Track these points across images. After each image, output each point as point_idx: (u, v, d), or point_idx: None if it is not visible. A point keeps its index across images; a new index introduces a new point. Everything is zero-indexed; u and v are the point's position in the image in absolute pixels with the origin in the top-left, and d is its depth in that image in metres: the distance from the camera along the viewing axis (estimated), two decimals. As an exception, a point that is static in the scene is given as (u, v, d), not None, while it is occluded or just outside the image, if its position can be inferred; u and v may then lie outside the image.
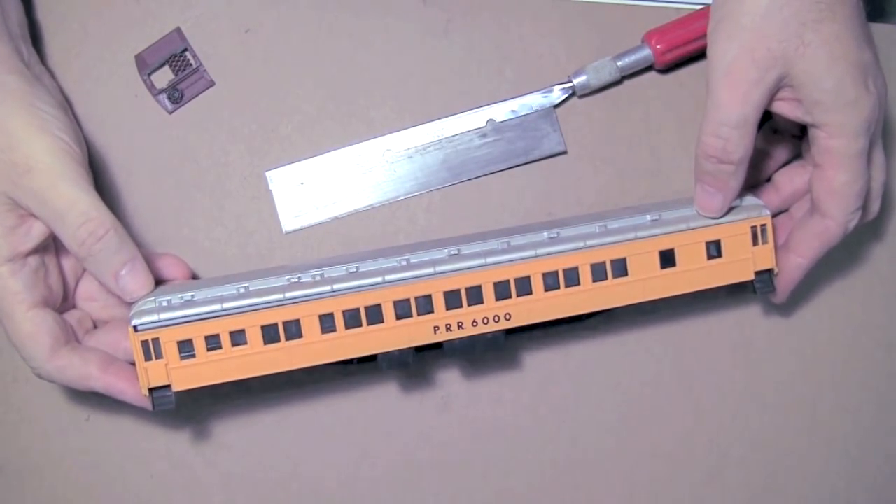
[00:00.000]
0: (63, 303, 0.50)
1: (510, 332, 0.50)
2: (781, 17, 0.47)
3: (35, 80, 0.48)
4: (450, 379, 0.56)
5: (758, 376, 0.58)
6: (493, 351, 0.49)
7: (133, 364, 0.47)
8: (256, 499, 0.55)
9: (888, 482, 0.59)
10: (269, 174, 0.56)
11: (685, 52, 0.57)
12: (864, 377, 0.59)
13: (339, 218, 0.56)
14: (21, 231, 0.47)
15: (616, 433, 0.57)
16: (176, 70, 0.56)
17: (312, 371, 0.55)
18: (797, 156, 0.56)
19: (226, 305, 0.47)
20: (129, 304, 0.48)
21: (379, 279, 0.48)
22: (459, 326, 0.49)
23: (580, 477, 0.56)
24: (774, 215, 0.55)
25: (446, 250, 0.49)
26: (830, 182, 0.50)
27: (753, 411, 0.58)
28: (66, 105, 0.52)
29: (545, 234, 0.50)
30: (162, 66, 0.56)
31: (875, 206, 0.53)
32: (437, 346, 0.49)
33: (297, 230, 0.56)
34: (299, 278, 0.48)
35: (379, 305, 0.48)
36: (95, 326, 0.51)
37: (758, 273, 0.52)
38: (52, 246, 0.49)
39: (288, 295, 0.48)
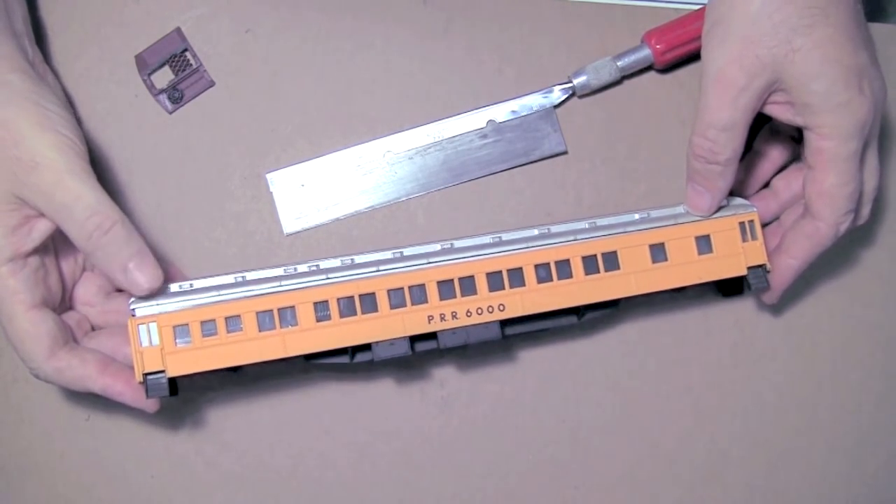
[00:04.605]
0: (60, 304, 0.50)
1: (508, 331, 0.51)
2: (771, 24, 0.48)
3: (39, 78, 0.49)
4: (450, 378, 0.56)
5: (758, 376, 0.58)
6: (488, 343, 0.50)
7: (132, 367, 0.48)
8: (256, 498, 0.55)
9: (888, 482, 0.59)
10: (269, 176, 0.56)
11: (684, 52, 0.57)
12: (863, 377, 0.59)
13: (339, 220, 0.56)
14: (23, 231, 0.47)
15: (616, 433, 0.57)
16: (176, 70, 0.56)
17: (312, 371, 0.55)
18: (796, 158, 0.56)
19: (222, 292, 0.48)
20: (128, 300, 0.48)
21: (373, 269, 0.49)
22: (454, 316, 0.49)
23: (580, 476, 0.57)
24: (770, 223, 0.55)
25: (439, 244, 0.50)
26: (821, 184, 0.50)
27: (753, 411, 0.58)
28: (69, 104, 0.53)
29: (535, 231, 0.51)
30: (162, 66, 0.56)
31: (865, 211, 0.53)
32: (431, 337, 0.50)
33: (298, 232, 0.56)
34: (295, 269, 0.49)
35: (373, 294, 0.49)
36: (93, 329, 0.51)
37: (750, 269, 0.53)
38: (51, 247, 0.49)
39: (284, 283, 0.49)
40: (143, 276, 0.47)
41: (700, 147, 0.50)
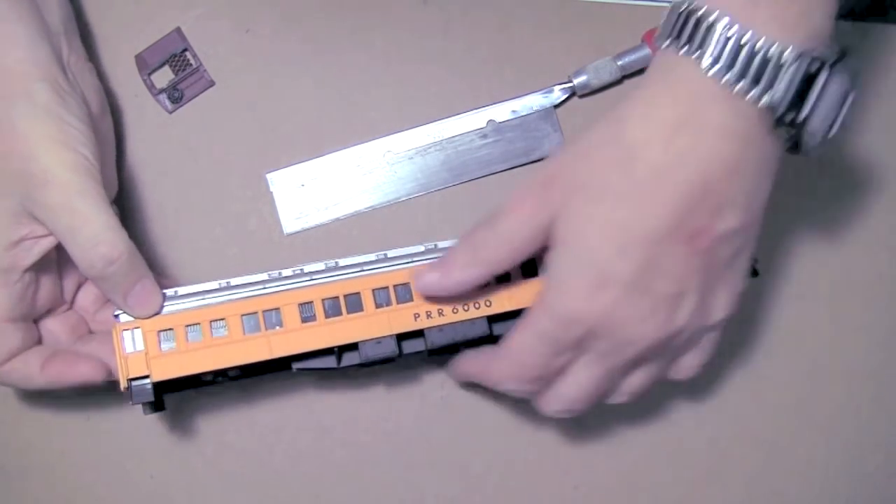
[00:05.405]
0: (60, 307, 0.50)
1: (497, 329, 0.50)
2: (577, 165, 0.45)
3: (67, 88, 0.47)
4: (449, 379, 0.56)
5: (758, 376, 0.58)
6: (477, 340, 0.50)
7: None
8: (256, 499, 0.55)
9: (888, 481, 0.59)
10: (269, 176, 0.56)
11: (685, 52, 0.57)
12: (863, 377, 0.59)
13: (339, 220, 0.56)
14: (26, 245, 0.46)
15: (616, 432, 0.57)
16: (176, 70, 0.56)
17: (311, 372, 0.55)
18: None
19: (207, 297, 0.48)
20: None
21: (357, 270, 0.49)
22: (440, 314, 0.49)
23: (579, 477, 0.56)
24: None
25: (423, 245, 0.50)
26: (510, 333, 0.47)
27: (753, 411, 0.58)
28: (105, 107, 0.52)
29: None
30: (162, 66, 0.56)
31: (549, 408, 0.48)
32: (419, 336, 0.50)
33: (298, 232, 0.56)
34: (279, 273, 0.49)
35: (358, 293, 0.49)
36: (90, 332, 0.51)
37: None
38: (53, 257, 0.49)
39: (268, 286, 0.48)
40: (141, 305, 0.47)
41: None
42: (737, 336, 0.58)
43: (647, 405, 0.57)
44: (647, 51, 0.57)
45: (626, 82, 0.58)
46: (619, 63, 0.57)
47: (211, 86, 0.56)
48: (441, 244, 0.50)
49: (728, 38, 0.41)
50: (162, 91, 0.56)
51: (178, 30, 0.56)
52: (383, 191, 0.56)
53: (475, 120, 0.57)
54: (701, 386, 0.57)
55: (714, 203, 0.43)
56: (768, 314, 0.59)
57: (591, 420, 0.57)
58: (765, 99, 0.41)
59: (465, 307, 0.49)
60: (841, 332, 0.59)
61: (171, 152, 0.56)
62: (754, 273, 0.53)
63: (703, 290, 0.45)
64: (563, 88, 0.57)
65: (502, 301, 0.50)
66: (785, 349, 0.58)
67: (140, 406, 0.48)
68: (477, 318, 0.50)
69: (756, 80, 0.41)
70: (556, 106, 0.57)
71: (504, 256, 0.46)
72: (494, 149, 0.57)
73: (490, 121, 0.57)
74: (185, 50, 0.56)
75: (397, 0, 0.57)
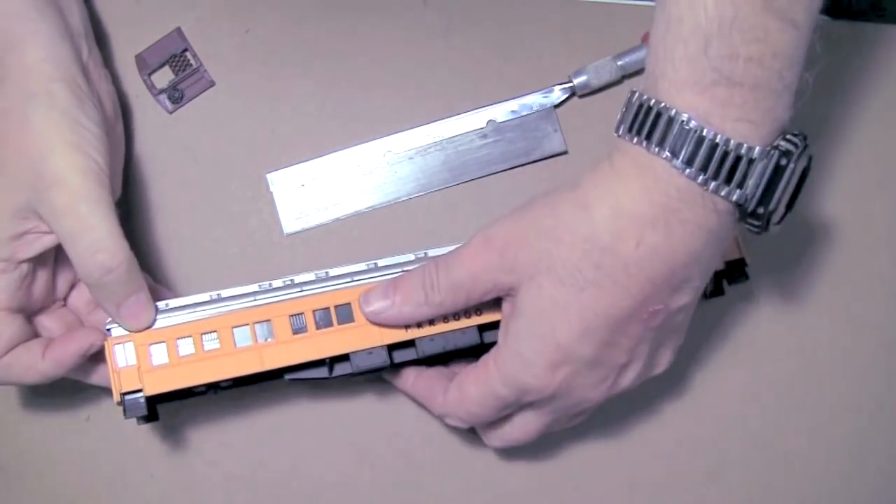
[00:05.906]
0: (52, 304, 0.50)
1: (487, 337, 0.50)
2: (543, 243, 0.45)
3: (86, 90, 0.47)
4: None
5: (758, 376, 0.58)
6: (468, 349, 0.49)
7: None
8: (256, 499, 0.55)
9: (888, 482, 0.59)
10: (269, 176, 0.56)
11: (685, 52, 0.57)
12: (864, 377, 0.59)
13: (340, 219, 0.56)
14: (27, 239, 0.46)
15: (616, 433, 0.57)
16: (176, 70, 0.56)
17: (303, 382, 0.55)
18: None
19: (198, 310, 0.48)
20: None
21: (348, 280, 0.49)
22: (431, 323, 0.49)
23: (580, 477, 0.56)
24: None
25: (413, 254, 0.50)
26: (461, 376, 0.49)
27: (753, 411, 0.58)
28: (118, 113, 0.52)
29: None
30: (162, 66, 0.56)
31: (492, 442, 0.51)
32: (410, 346, 0.49)
33: (298, 232, 0.56)
34: (270, 284, 0.49)
35: (349, 304, 0.49)
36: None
37: (728, 263, 0.52)
38: (50, 257, 0.49)
39: (259, 298, 0.48)
40: (134, 317, 0.47)
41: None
42: (737, 336, 0.58)
43: (647, 406, 0.57)
44: (647, 50, 0.56)
45: (627, 82, 0.58)
46: (619, 63, 0.57)
47: (211, 86, 0.56)
48: (431, 252, 0.50)
49: (701, 140, 0.41)
50: (162, 91, 0.56)
51: (178, 30, 0.56)
52: (383, 191, 0.56)
53: (475, 120, 0.57)
54: (701, 386, 0.57)
55: (674, 285, 0.44)
56: (768, 315, 0.59)
57: (591, 420, 0.57)
58: (736, 195, 0.42)
59: (456, 317, 0.49)
60: (841, 332, 0.59)
61: (171, 152, 0.56)
62: (719, 292, 0.54)
63: (650, 354, 0.47)
64: (563, 88, 0.57)
65: (493, 311, 0.49)
66: (785, 349, 0.58)
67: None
68: (468, 327, 0.49)
69: (728, 179, 0.42)
70: (556, 106, 0.57)
71: (456, 303, 0.47)
72: (494, 149, 0.57)
73: (490, 121, 0.57)
74: (185, 50, 0.56)
75: (397, 0, 0.57)
